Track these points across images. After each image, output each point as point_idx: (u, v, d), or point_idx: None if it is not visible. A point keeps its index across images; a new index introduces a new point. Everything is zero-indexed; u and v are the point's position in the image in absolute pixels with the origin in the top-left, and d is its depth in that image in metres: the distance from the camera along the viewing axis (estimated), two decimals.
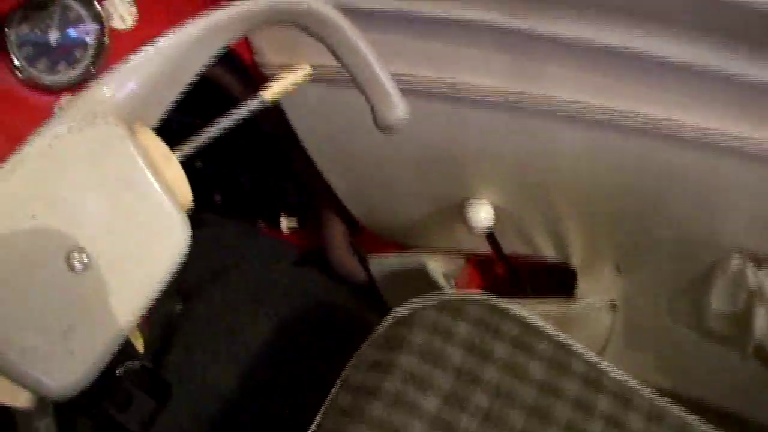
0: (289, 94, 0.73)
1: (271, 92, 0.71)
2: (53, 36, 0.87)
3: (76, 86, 0.87)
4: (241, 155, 1.31)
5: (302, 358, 1.24)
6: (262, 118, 1.12)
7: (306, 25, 0.70)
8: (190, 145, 0.68)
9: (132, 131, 0.61)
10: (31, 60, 0.86)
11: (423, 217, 1.17)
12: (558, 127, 0.92)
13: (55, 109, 0.87)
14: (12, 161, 0.57)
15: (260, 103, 0.70)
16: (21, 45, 0.85)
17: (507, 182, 1.05)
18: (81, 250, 0.57)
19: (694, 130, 0.86)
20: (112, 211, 0.59)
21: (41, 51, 0.87)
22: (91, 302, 0.57)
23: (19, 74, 0.85)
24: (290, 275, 1.35)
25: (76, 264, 0.57)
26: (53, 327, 0.56)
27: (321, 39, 0.71)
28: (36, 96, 0.86)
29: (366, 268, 1.29)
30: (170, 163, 0.64)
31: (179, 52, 0.65)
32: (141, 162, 0.60)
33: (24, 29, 0.85)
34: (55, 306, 0.56)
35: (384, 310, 0.94)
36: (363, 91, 0.73)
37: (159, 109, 0.67)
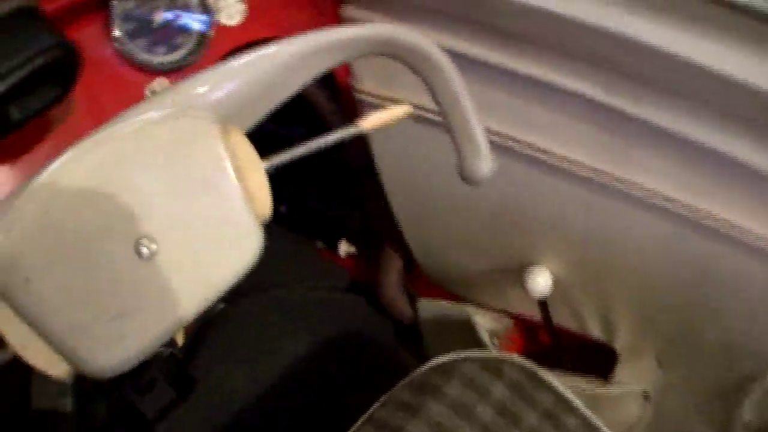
0: (384, 128, 0.74)
1: (369, 123, 0.71)
2: (158, 17, 0.89)
3: (170, 72, 0.90)
4: (314, 175, 1.33)
5: (329, 386, 1.22)
6: (345, 143, 1.15)
7: (412, 63, 0.71)
8: (280, 158, 0.68)
9: (224, 131, 0.61)
10: (131, 35, 0.88)
11: (480, 271, 1.18)
12: (634, 211, 0.93)
13: (146, 90, 0.89)
14: (101, 135, 0.58)
15: (356, 132, 0.71)
16: (125, 18, 0.87)
17: (571, 254, 1.06)
18: (151, 239, 0.57)
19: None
20: (189, 207, 0.59)
21: (143, 29, 0.88)
22: (150, 291, 0.57)
23: (117, 45, 0.87)
24: (337, 300, 1.35)
25: (144, 251, 0.56)
26: (109, 308, 0.56)
27: (423, 78, 0.72)
28: (128, 71, 0.88)
29: (414, 309, 1.30)
30: (256, 171, 0.64)
31: (283, 65, 0.65)
32: (228, 164, 0.60)
33: (130, 3, 0.87)
34: (115, 288, 0.56)
35: (422, 353, 0.95)
36: (454, 139, 0.73)
37: (252, 117, 0.67)
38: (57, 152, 0.80)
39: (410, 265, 1.29)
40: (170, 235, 0.58)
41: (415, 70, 0.72)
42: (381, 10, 0.99)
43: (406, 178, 1.11)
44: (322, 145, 0.70)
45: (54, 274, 0.55)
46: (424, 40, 0.70)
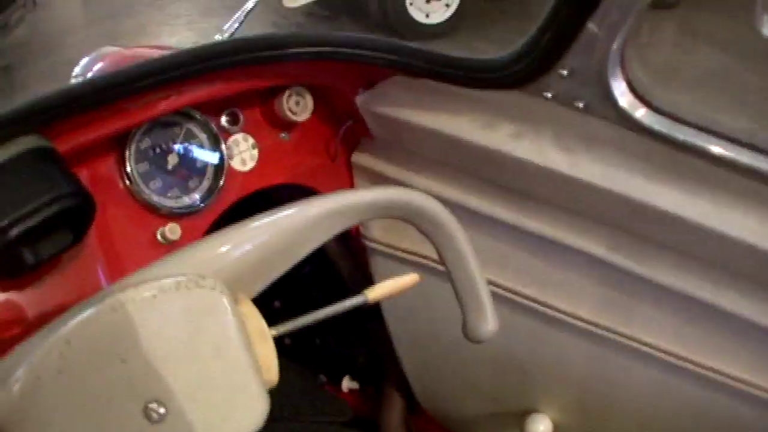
0: (392, 296, 0.76)
1: (375, 295, 0.74)
2: (172, 159, 0.93)
3: (182, 216, 0.92)
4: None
5: None
6: (353, 284, 1.17)
7: (422, 225, 0.74)
8: (287, 326, 0.69)
9: (235, 302, 0.63)
10: (144, 177, 0.90)
11: (482, 413, 1.18)
12: (633, 363, 0.94)
13: (158, 235, 0.91)
14: (114, 300, 0.59)
15: (362, 302, 0.73)
16: (139, 158, 0.90)
17: (571, 402, 1.06)
18: (160, 403, 0.58)
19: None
20: (198, 373, 0.60)
21: (157, 170, 0.91)
22: None
23: (131, 186, 0.89)
24: None
25: (153, 415, 0.58)
26: None
27: (432, 240, 0.75)
28: (140, 212, 0.90)
29: None
30: (265, 341, 0.65)
31: (300, 228, 0.68)
32: (237, 335, 0.61)
33: (146, 142, 0.90)
34: None
35: None
36: (459, 298, 0.76)
37: (264, 280, 0.68)
38: (68, 292, 0.83)
39: (412, 404, 1.29)
40: (180, 399, 0.59)
41: (424, 231, 0.75)
42: (393, 160, 1.03)
43: (410, 322, 1.14)
44: (331, 314, 0.72)
45: (56, 421, 0.56)
46: (436, 205, 0.73)
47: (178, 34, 4.40)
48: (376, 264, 1.11)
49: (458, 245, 0.74)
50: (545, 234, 0.92)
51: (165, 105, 0.88)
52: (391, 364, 1.21)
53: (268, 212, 0.68)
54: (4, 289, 0.80)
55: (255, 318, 0.65)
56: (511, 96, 0.88)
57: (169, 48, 1.42)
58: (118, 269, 0.88)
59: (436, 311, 1.06)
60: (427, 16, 4.12)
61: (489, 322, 0.76)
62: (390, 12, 4.00)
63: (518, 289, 0.97)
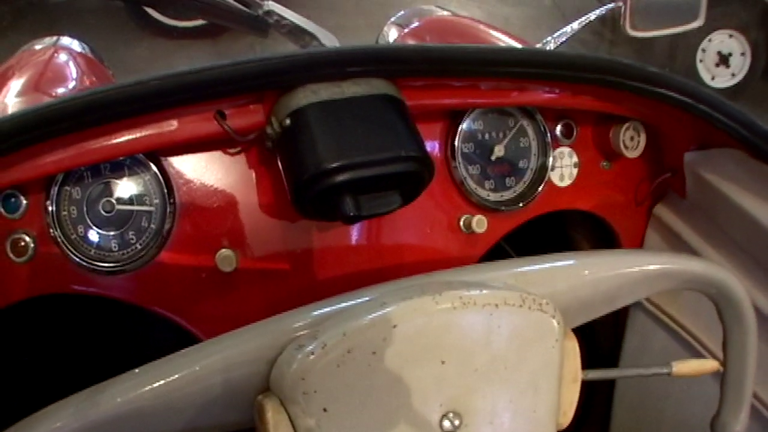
0: (688, 377, 0.74)
1: (678, 370, 0.72)
2: (498, 151, 0.90)
3: (490, 210, 0.90)
4: None
5: None
6: (601, 328, 1.15)
7: (723, 307, 0.72)
8: (597, 374, 0.68)
9: (564, 336, 0.61)
10: (467, 158, 0.88)
11: None
12: None
13: (460, 221, 0.89)
14: (455, 297, 0.56)
15: (666, 373, 0.72)
16: (467, 137, 0.88)
17: None
18: (457, 415, 0.56)
19: None
20: (507, 397, 0.57)
21: (481, 155, 0.89)
22: None
23: (452, 164, 0.87)
24: None
25: (447, 424, 0.56)
26: None
27: (724, 322, 0.73)
28: (450, 192, 0.88)
29: None
30: (574, 383, 0.63)
31: (631, 278, 0.67)
32: (557, 371, 0.59)
33: (478, 124, 0.89)
34: None
35: None
36: (723, 389, 0.74)
37: (580, 321, 0.67)
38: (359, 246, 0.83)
39: None
40: (480, 418, 0.57)
41: (722, 313, 0.73)
42: (695, 228, 1.00)
43: (637, 393, 1.11)
44: (634, 375, 0.74)
45: (353, 417, 0.54)
46: (745, 293, 0.71)
47: (467, 10, 4.46)
48: (635, 319, 1.09)
49: (747, 336, 0.72)
50: None
51: (513, 96, 0.87)
52: (598, 418, 1.19)
53: (596, 251, 0.68)
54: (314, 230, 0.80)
55: (575, 357, 0.63)
56: None
57: (491, 25, 1.43)
58: (413, 239, 0.87)
59: (671, 388, 1.03)
60: (713, 78, 4.03)
61: (741, 422, 0.73)
62: (678, 65, 3.94)
63: None
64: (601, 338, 1.14)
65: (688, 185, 1.00)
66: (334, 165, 0.68)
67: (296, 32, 1.10)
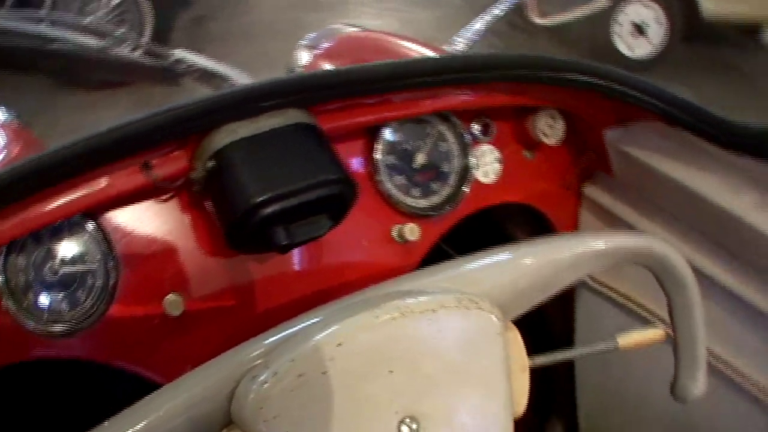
0: (636, 348, 0.75)
1: (625, 343, 0.73)
2: (419, 159, 0.91)
3: (421, 217, 0.91)
4: None
5: None
6: (552, 313, 1.17)
7: (661, 276, 0.73)
8: (543, 360, 0.68)
9: (505, 329, 0.61)
10: (390, 170, 0.89)
11: None
12: None
13: (392, 231, 0.90)
14: (393, 307, 0.58)
15: (612, 347, 0.73)
16: (387, 150, 0.89)
17: None
18: (414, 420, 0.57)
19: None
20: (459, 396, 0.58)
21: (403, 166, 0.90)
22: None
23: (376, 177, 0.88)
24: None
25: (405, 429, 0.57)
26: None
27: (666, 290, 0.74)
28: (377, 205, 0.89)
29: None
30: (522, 372, 0.64)
31: (563, 263, 0.68)
32: (504, 364, 0.60)
33: (397, 136, 0.89)
34: None
35: None
36: (676, 354, 0.75)
37: (518, 311, 0.67)
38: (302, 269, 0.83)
39: None
40: (436, 420, 0.58)
41: (662, 282, 0.74)
42: (626, 201, 1.02)
43: (601, 372, 1.12)
44: (582, 355, 0.74)
45: (309, 423, 0.56)
46: (682, 259, 0.72)
47: (381, 19, 4.49)
48: (583, 300, 1.10)
49: (692, 301, 0.73)
50: (764, 310, 0.89)
51: (428, 104, 0.88)
52: (564, 405, 1.20)
53: (531, 240, 0.68)
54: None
55: (519, 347, 0.64)
56: (765, 166, 0.85)
57: (401, 35, 1.43)
58: (350, 256, 0.88)
59: (630, 364, 1.04)
60: (631, 50, 4.14)
61: (699, 383, 0.74)
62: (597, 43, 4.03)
63: (727, 359, 0.94)
64: (552, 324, 1.16)
65: (613, 163, 1.02)
66: (260, 199, 0.69)
67: (207, 76, 1.10)
